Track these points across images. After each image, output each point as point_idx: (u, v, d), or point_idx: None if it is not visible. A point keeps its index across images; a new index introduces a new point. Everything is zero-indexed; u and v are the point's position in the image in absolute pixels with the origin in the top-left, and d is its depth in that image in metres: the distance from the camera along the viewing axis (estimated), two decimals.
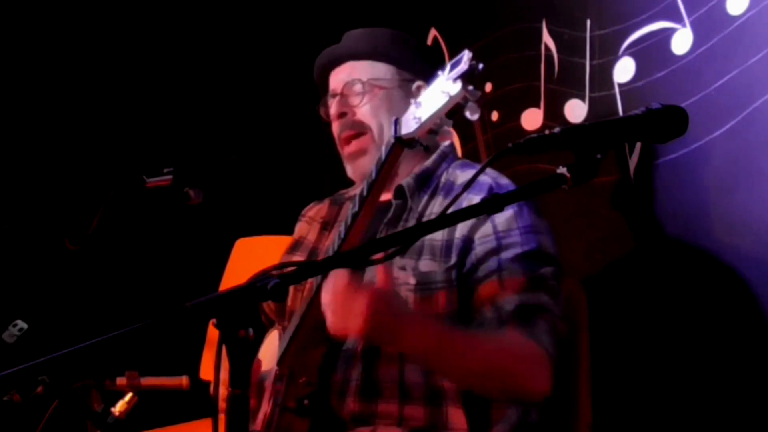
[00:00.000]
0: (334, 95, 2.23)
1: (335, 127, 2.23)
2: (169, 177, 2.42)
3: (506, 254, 2.00)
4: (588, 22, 2.65)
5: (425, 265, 2.04)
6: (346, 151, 2.21)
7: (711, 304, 2.32)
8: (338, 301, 1.82)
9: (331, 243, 2.21)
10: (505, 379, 1.93)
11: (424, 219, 2.10)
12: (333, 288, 1.83)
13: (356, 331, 1.82)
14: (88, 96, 3.58)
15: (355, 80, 2.20)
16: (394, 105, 2.16)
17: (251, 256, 3.09)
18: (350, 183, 2.36)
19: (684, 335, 2.38)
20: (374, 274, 2.11)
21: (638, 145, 2.49)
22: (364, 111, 2.18)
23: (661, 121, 1.50)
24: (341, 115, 2.20)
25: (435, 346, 1.87)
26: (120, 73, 3.63)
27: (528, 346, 1.93)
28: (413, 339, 1.86)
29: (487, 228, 2.02)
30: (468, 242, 2.03)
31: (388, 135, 1.95)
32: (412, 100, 1.69)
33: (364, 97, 2.19)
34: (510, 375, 1.93)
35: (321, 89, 2.33)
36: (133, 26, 3.66)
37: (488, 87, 2.96)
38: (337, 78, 2.24)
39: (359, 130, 2.19)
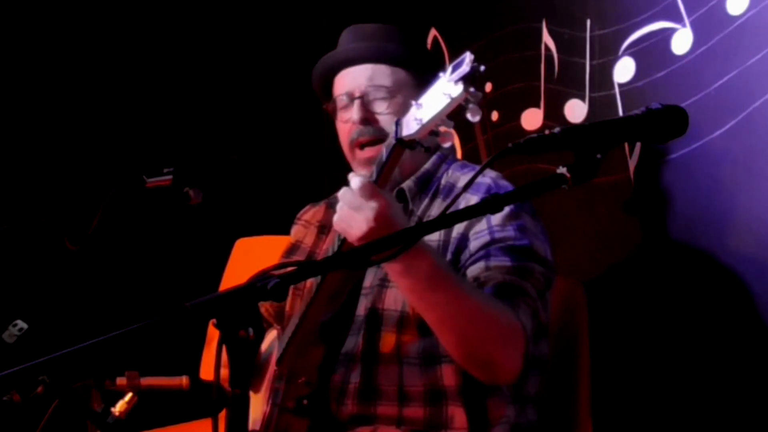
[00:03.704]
0: (351, 97, 2.14)
1: (351, 129, 2.13)
2: (169, 177, 2.42)
3: (497, 245, 1.98)
4: (588, 22, 2.65)
5: None
6: (360, 155, 2.13)
7: (710, 303, 2.32)
8: (348, 200, 1.80)
9: (329, 245, 2.20)
10: (480, 338, 1.87)
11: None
12: (349, 189, 1.80)
13: (355, 237, 1.79)
14: (87, 96, 3.58)
15: (380, 86, 2.11)
16: None
17: (251, 256, 3.09)
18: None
19: (683, 334, 2.38)
20: (374, 273, 2.12)
21: (638, 145, 2.49)
22: (388, 120, 2.09)
23: (661, 121, 1.50)
24: (364, 120, 2.11)
25: (426, 276, 1.81)
26: (120, 73, 3.63)
27: (508, 316, 1.89)
28: (407, 262, 1.79)
29: (482, 224, 2.01)
30: (463, 240, 2.03)
31: None
32: (413, 101, 1.69)
33: (389, 104, 2.11)
34: (485, 337, 1.87)
35: (324, 84, 2.24)
36: (133, 26, 3.66)
37: (488, 87, 2.96)
38: (356, 79, 2.14)
39: (379, 137, 2.08)
